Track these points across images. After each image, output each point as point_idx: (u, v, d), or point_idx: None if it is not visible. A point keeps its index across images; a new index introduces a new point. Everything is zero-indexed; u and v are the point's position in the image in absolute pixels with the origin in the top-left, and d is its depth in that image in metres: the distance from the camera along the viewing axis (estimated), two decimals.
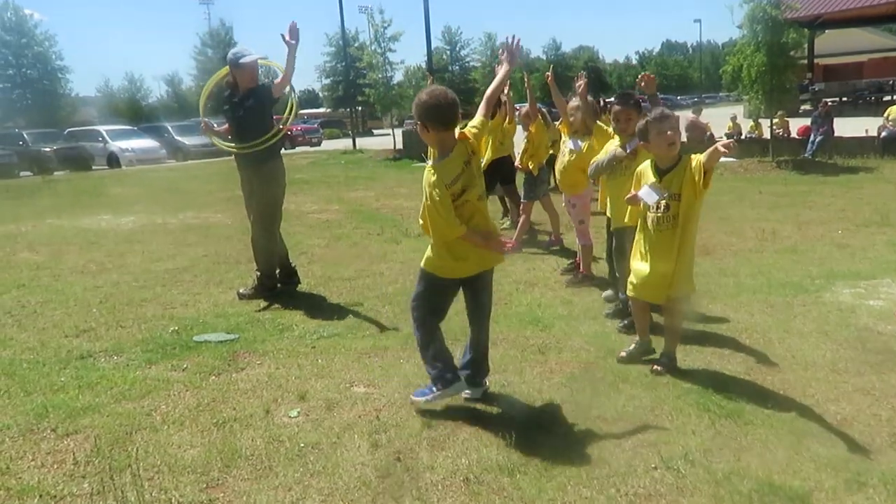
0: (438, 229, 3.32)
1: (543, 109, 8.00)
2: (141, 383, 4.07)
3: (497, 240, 3.46)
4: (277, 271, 6.06)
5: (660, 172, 3.85)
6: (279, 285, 6.02)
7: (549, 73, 6.19)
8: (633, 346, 4.22)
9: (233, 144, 5.75)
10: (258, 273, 5.94)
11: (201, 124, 5.93)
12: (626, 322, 4.65)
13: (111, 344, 4.79)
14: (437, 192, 3.25)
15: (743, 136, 18.99)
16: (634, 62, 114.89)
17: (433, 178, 3.27)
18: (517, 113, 8.06)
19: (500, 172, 7.97)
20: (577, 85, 5.52)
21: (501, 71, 3.61)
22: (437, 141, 3.32)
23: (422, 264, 3.55)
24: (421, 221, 3.43)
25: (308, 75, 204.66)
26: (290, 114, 5.90)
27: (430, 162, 3.38)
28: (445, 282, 3.50)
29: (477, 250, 3.43)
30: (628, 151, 4.51)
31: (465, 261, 3.44)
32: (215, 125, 5.93)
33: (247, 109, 5.61)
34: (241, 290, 5.93)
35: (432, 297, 3.55)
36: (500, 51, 3.69)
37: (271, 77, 6.83)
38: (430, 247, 3.52)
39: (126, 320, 5.34)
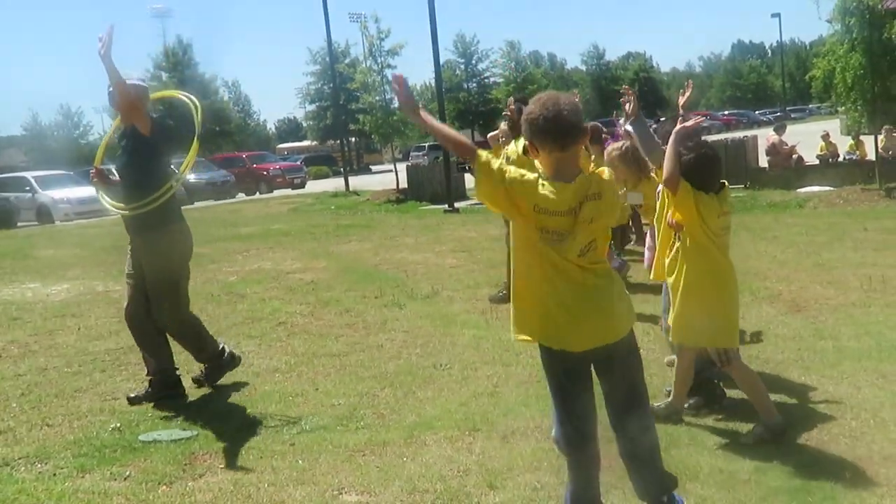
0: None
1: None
2: (70, 498, 4.07)
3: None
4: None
5: None
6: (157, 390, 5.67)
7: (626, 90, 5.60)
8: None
9: (121, 203, 5.44)
10: (205, 365, 5.88)
11: (91, 172, 5.66)
12: (691, 402, 4.62)
13: (34, 448, 4.80)
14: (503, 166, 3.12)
15: (841, 159, 19.07)
16: (698, 69, 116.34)
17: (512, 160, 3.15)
18: None
19: None
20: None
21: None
22: (551, 164, 3.16)
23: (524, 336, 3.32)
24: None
25: (288, 101, 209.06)
26: (187, 161, 5.51)
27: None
28: (562, 358, 3.23)
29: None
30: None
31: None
32: (113, 174, 5.63)
33: (123, 154, 5.42)
34: (196, 375, 5.90)
35: (562, 396, 3.28)
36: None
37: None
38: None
39: (54, 417, 5.37)
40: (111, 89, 5.20)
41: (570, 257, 3.13)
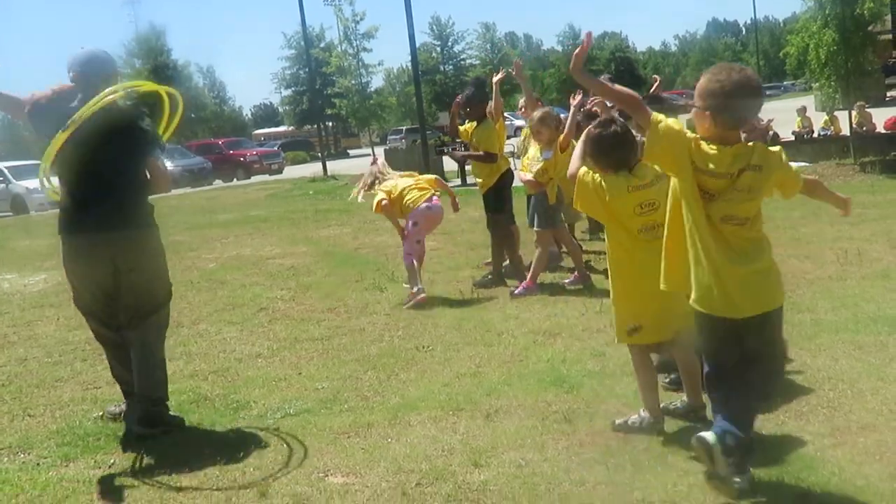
0: None
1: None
2: (55, 487, 4.05)
3: None
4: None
5: None
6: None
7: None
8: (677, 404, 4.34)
9: None
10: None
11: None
12: (673, 376, 4.65)
13: (17, 438, 4.78)
14: None
15: (815, 134, 19.22)
16: (674, 49, 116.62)
17: None
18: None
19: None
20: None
21: None
22: (715, 132, 3.34)
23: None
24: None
25: (264, 86, 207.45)
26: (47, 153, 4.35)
27: None
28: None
29: None
30: None
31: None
32: None
33: None
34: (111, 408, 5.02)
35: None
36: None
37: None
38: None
39: (36, 407, 5.34)
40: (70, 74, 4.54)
41: (714, 218, 3.31)
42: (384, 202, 7.56)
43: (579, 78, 3.54)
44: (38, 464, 4.38)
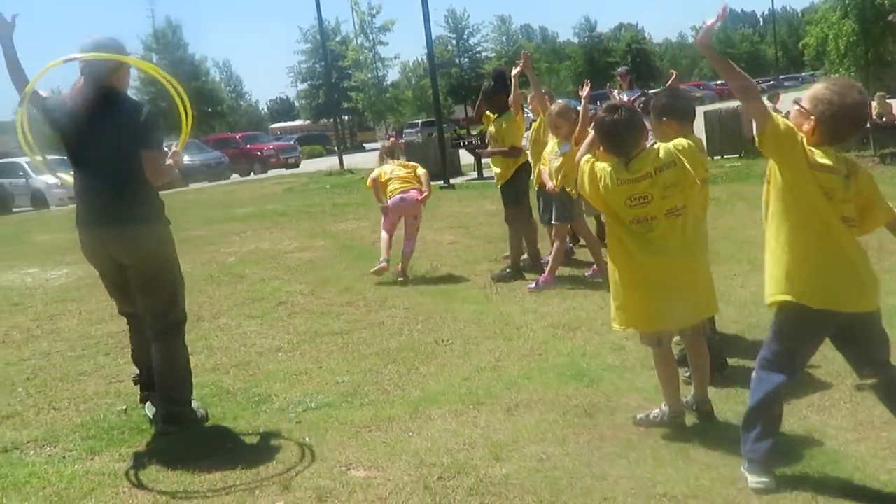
0: None
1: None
2: (81, 479, 4.09)
3: None
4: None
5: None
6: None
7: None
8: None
9: None
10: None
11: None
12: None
13: (43, 431, 4.82)
14: None
15: None
16: (691, 40, 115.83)
17: None
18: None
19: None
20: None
21: None
22: (818, 137, 3.36)
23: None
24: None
25: (280, 80, 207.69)
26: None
27: None
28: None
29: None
30: None
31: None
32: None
33: None
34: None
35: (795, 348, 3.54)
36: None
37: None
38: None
39: (60, 400, 5.38)
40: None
41: (836, 214, 3.34)
42: (374, 181, 8.66)
43: (705, 51, 3.42)
44: (63, 457, 4.42)
